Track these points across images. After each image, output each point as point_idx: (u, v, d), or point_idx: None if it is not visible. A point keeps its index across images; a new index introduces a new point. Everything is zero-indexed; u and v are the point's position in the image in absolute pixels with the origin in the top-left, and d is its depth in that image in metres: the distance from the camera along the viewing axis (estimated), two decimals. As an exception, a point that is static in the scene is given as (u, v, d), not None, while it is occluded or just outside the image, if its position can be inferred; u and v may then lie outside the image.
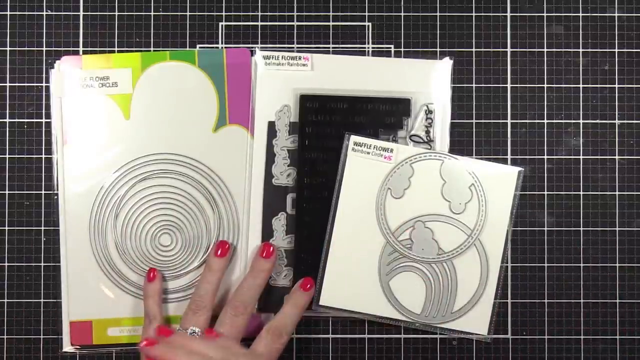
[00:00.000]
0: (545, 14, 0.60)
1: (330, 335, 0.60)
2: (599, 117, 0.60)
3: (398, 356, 0.60)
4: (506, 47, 0.60)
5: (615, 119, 0.60)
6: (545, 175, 0.60)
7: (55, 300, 0.60)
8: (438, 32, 0.60)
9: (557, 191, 0.60)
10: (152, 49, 0.60)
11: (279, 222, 0.59)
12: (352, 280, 0.58)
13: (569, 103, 0.60)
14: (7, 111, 0.60)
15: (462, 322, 0.58)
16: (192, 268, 0.60)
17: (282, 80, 0.59)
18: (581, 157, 0.60)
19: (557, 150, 0.60)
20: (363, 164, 0.58)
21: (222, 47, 0.60)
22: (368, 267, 0.58)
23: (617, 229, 0.60)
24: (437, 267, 0.58)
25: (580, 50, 0.60)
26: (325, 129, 0.59)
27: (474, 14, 0.61)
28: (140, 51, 0.60)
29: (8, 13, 0.60)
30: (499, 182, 0.58)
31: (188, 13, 0.60)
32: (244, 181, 0.60)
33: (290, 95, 0.59)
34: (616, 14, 0.60)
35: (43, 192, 0.60)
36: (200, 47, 0.60)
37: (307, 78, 0.59)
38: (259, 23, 0.60)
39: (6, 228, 0.60)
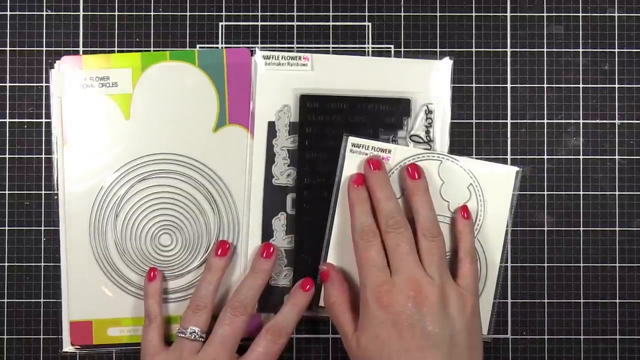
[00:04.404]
0: (545, 14, 0.60)
1: (330, 335, 0.60)
2: (599, 117, 0.60)
3: (398, 356, 0.60)
4: (506, 47, 0.60)
5: (615, 119, 0.60)
6: (545, 175, 0.60)
7: (55, 300, 0.60)
8: (438, 32, 0.60)
9: (557, 191, 0.60)
10: (152, 49, 0.60)
11: (279, 222, 0.59)
12: (352, 281, 0.57)
13: (569, 103, 0.60)
14: (7, 111, 0.60)
15: (462, 322, 0.58)
16: (192, 268, 0.60)
17: (282, 80, 0.59)
18: (581, 157, 0.60)
19: (557, 150, 0.60)
20: (361, 164, 0.58)
21: (222, 47, 0.60)
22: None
23: (617, 229, 0.60)
24: (437, 267, 0.58)
25: (580, 50, 0.60)
26: (325, 129, 0.59)
27: (474, 14, 0.61)
28: (140, 51, 0.60)
29: (8, 13, 0.60)
30: (497, 182, 0.58)
31: (188, 13, 0.60)
32: (244, 181, 0.60)
33: (290, 95, 0.59)
34: (616, 14, 0.60)
35: (43, 192, 0.60)
36: (200, 47, 0.60)
37: (307, 78, 0.59)
38: (259, 23, 0.60)
39: (6, 228, 0.60)
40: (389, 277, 0.52)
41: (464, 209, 0.56)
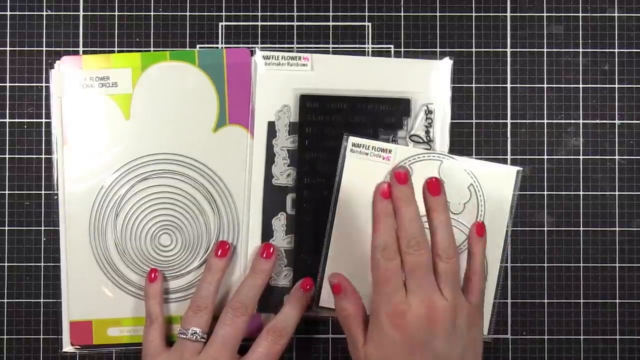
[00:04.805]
0: (545, 14, 0.60)
1: (330, 335, 0.60)
2: (599, 117, 0.60)
3: (398, 356, 0.60)
4: (506, 47, 0.60)
5: (615, 119, 0.60)
6: (545, 175, 0.60)
7: (55, 300, 0.60)
8: (438, 32, 0.60)
9: (557, 191, 0.60)
10: (152, 49, 0.60)
11: (279, 222, 0.59)
12: (351, 281, 0.57)
13: (569, 103, 0.60)
14: (7, 111, 0.60)
15: (462, 322, 0.58)
16: (192, 268, 0.60)
17: (282, 80, 0.59)
18: (581, 157, 0.60)
19: (557, 150, 0.60)
20: (362, 164, 0.58)
21: (222, 47, 0.60)
22: (368, 267, 0.58)
23: (617, 229, 0.60)
24: (437, 267, 0.58)
25: (580, 50, 0.60)
26: (325, 129, 0.59)
27: (474, 14, 0.61)
28: (140, 51, 0.60)
29: (8, 13, 0.60)
30: (497, 181, 0.58)
31: (188, 13, 0.60)
32: (244, 181, 0.60)
33: (290, 95, 0.59)
34: (616, 14, 0.60)
35: (43, 192, 0.60)
36: (200, 47, 0.60)
37: (307, 78, 0.59)
38: (259, 23, 0.60)
39: (6, 228, 0.60)
40: (404, 297, 0.51)
41: (480, 226, 0.56)
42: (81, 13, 0.60)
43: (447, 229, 0.53)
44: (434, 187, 0.54)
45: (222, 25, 0.60)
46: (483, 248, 0.56)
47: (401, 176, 0.54)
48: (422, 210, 0.58)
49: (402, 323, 0.50)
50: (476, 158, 0.59)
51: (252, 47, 0.60)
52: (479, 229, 0.56)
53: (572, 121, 0.60)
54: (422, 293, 0.51)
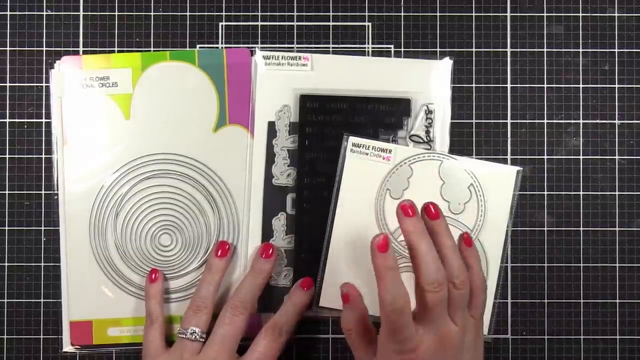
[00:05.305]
0: (545, 14, 0.60)
1: (330, 335, 0.60)
2: (599, 117, 0.60)
3: (398, 356, 0.60)
4: (506, 47, 0.60)
5: (615, 119, 0.60)
6: (545, 175, 0.60)
7: (55, 300, 0.60)
8: (438, 32, 0.60)
9: (557, 191, 0.60)
10: (152, 49, 0.60)
11: (279, 222, 0.59)
12: (352, 281, 0.57)
13: (569, 103, 0.60)
14: (7, 111, 0.60)
15: (462, 322, 0.58)
16: (192, 268, 0.60)
17: (282, 80, 0.59)
18: (581, 157, 0.60)
19: (557, 150, 0.60)
20: (362, 164, 0.58)
21: (222, 47, 0.60)
22: (368, 267, 0.58)
23: (617, 229, 0.60)
24: (437, 267, 0.58)
25: (580, 50, 0.60)
26: (325, 129, 0.59)
27: (474, 14, 0.61)
28: (140, 51, 0.60)
29: (8, 13, 0.60)
30: (497, 181, 0.58)
31: (188, 13, 0.60)
32: (244, 181, 0.60)
33: (290, 95, 0.59)
34: (616, 14, 0.60)
35: (43, 192, 0.60)
36: (200, 47, 0.60)
37: (307, 78, 0.59)
38: (259, 23, 0.60)
39: (6, 228, 0.60)
40: (416, 334, 0.49)
41: (466, 239, 0.54)
42: (81, 13, 0.60)
43: (455, 254, 0.51)
44: (431, 212, 0.52)
45: (222, 25, 0.60)
46: (477, 258, 0.54)
47: (407, 208, 0.51)
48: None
49: (415, 357, 0.49)
50: (476, 158, 0.59)
51: (252, 47, 0.60)
52: (466, 240, 0.54)
53: (572, 121, 0.60)
54: (436, 326, 0.49)
